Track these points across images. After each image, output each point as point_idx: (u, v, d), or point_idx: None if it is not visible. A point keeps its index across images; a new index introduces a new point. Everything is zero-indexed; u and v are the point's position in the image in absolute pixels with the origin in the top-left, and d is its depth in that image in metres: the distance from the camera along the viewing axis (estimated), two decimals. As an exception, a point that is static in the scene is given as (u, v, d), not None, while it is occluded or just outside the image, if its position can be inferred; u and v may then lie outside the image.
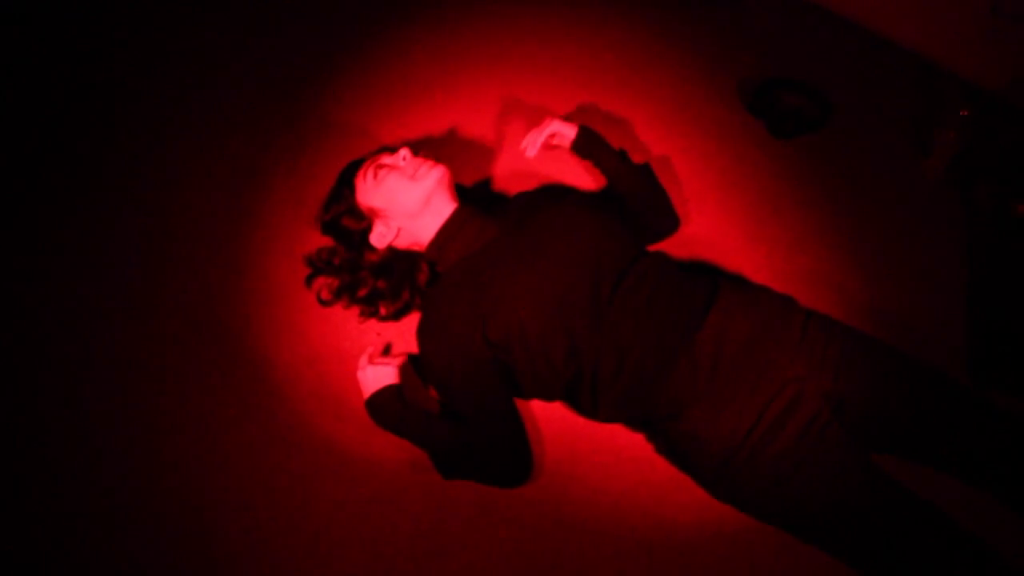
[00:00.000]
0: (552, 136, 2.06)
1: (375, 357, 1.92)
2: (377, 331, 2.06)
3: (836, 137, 2.42)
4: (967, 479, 1.75)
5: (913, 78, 2.55)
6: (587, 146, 2.07)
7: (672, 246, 2.17)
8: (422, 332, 1.84)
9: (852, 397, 1.72)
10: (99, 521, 1.82)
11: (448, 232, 1.90)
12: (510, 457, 1.79)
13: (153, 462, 1.88)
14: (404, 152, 1.92)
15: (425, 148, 2.19)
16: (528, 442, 1.81)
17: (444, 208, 1.91)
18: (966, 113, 2.25)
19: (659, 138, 2.39)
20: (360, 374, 1.86)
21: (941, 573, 1.59)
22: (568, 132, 2.05)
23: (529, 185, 2.17)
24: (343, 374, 2.00)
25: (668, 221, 2.13)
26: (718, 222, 2.23)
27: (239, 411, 1.94)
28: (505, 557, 1.78)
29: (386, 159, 1.93)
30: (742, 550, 1.83)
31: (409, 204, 1.87)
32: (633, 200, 2.07)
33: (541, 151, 2.05)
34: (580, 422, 1.94)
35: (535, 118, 2.37)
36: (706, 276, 1.90)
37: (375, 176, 1.89)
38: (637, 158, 2.31)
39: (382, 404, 1.84)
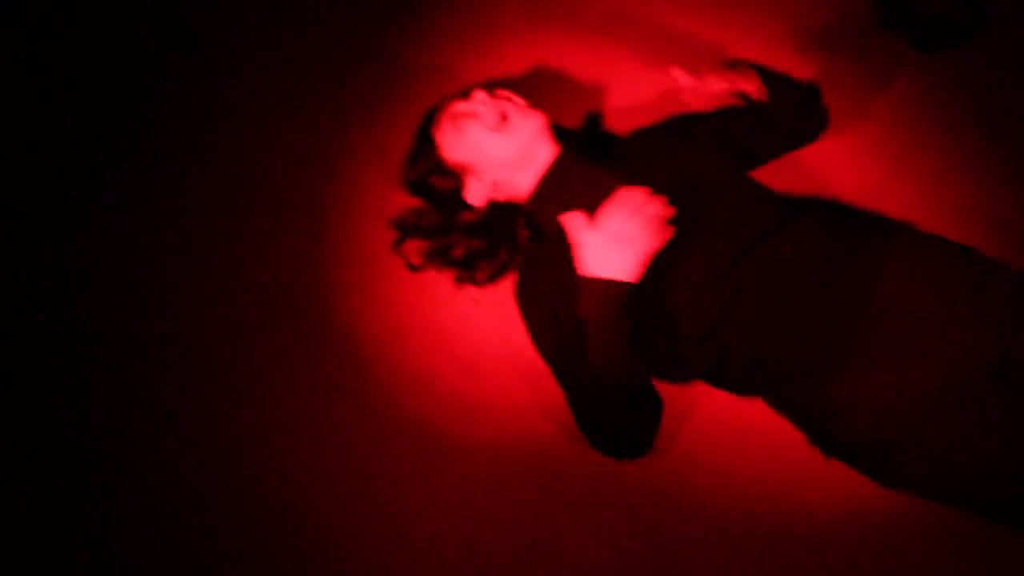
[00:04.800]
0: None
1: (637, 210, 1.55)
2: (474, 297, 1.97)
3: (990, 48, 2.18)
4: None
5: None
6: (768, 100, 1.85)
7: (796, 182, 2.02)
8: (525, 295, 1.75)
9: (1012, 353, 1.57)
10: (189, 502, 1.84)
11: (550, 183, 1.76)
12: (643, 428, 1.65)
13: (237, 445, 1.87)
14: (480, 95, 1.76)
15: (509, 87, 2.03)
16: (660, 416, 1.66)
17: (544, 155, 1.77)
18: None
19: (779, 59, 2.16)
20: (598, 239, 1.54)
21: None
22: (752, 85, 1.82)
23: (645, 120, 2.00)
24: (435, 347, 1.93)
25: (819, 124, 1.96)
26: (853, 155, 2.06)
27: (326, 390, 1.89)
28: (616, 552, 1.72)
29: (461, 106, 1.79)
30: (892, 541, 1.75)
31: (501, 157, 1.75)
32: (781, 125, 1.89)
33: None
34: (701, 397, 1.84)
35: (641, 46, 2.22)
36: (869, 234, 1.71)
37: (454, 127, 1.77)
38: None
39: (604, 297, 1.53)
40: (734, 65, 1.86)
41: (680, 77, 1.74)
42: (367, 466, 1.83)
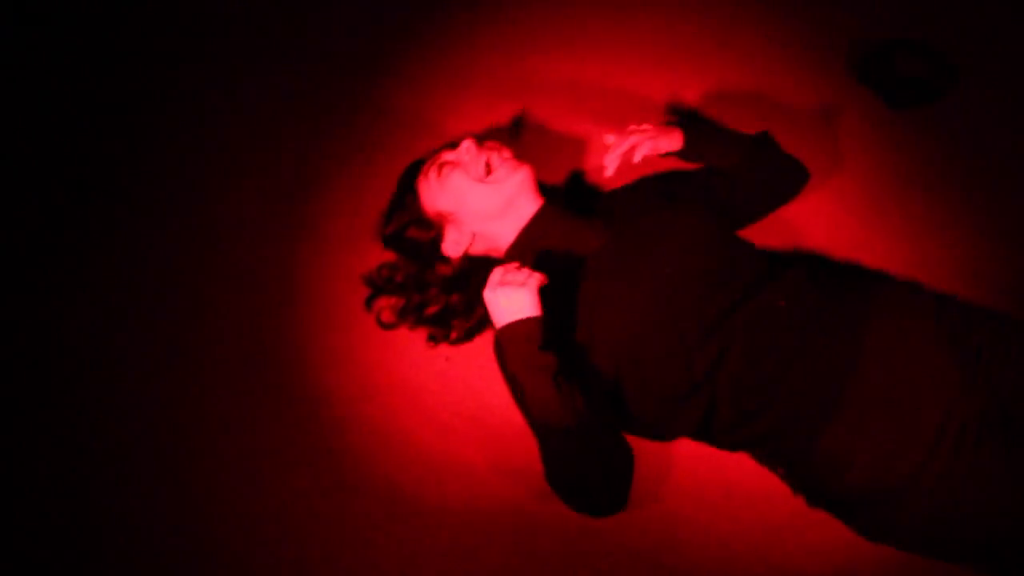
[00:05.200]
0: (645, 150, 1.77)
1: (509, 272, 1.59)
2: (446, 355, 1.91)
3: (963, 106, 2.18)
4: None
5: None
6: (697, 152, 1.82)
7: (776, 238, 2.00)
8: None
9: (1000, 396, 1.56)
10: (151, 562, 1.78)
11: (530, 235, 1.73)
12: (611, 479, 1.58)
13: (200, 511, 1.81)
14: (466, 144, 1.74)
15: (494, 138, 2.00)
16: (631, 467, 1.61)
17: (526, 207, 1.74)
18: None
19: (756, 114, 2.17)
20: (490, 295, 1.56)
21: None
22: (669, 145, 1.78)
23: (630, 178, 1.98)
24: (408, 407, 1.87)
25: (797, 177, 1.92)
26: (828, 209, 2.04)
27: (295, 453, 1.83)
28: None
29: (448, 155, 1.76)
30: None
31: (483, 207, 1.71)
32: (758, 181, 1.87)
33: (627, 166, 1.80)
34: (682, 449, 1.80)
35: (618, 102, 2.19)
36: (855, 287, 1.71)
37: (438, 175, 1.73)
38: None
39: (517, 338, 1.54)
40: (677, 117, 1.83)
41: (610, 141, 1.74)
42: (338, 531, 1.76)
